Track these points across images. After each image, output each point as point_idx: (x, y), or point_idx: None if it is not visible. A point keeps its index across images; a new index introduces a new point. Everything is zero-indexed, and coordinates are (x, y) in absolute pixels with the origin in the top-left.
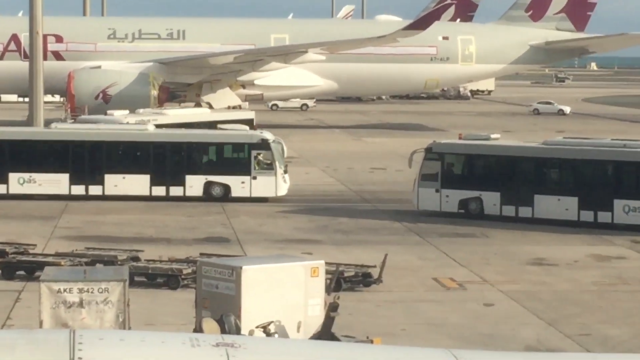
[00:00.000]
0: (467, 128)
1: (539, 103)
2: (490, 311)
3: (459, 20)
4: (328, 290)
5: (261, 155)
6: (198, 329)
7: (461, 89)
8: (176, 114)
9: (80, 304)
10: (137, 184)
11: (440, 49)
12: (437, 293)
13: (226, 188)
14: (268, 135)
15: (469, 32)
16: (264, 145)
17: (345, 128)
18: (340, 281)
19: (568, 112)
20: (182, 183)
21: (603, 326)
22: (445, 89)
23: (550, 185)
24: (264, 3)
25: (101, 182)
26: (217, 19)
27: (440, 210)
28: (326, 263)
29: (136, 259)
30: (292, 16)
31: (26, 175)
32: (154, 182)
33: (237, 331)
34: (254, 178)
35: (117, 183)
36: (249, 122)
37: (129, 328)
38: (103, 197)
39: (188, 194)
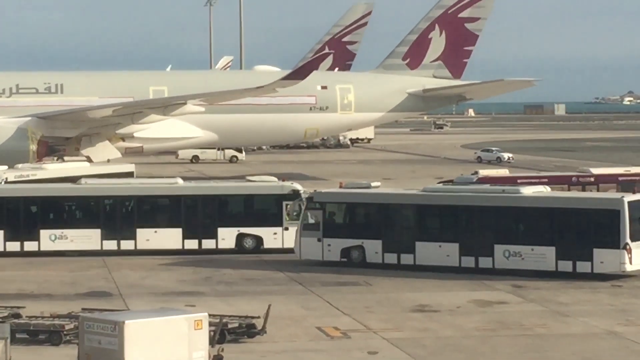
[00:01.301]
0: (348, 176)
1: (482, 151)
2: (375, 359)
3: (337, 69)
4: (212, 342)
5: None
6: None
7: (341, 138)
8: (55, 168)
9: None
10: (170, 237)
11: (319, 98)
12: (321, 342)
13: (258, 240)
14: (298, 186)
15: (347, 81)
16: (295, 195)
17: (228, 179)
18: (224, 333)
19: (506, 158)
20: (214, 236)
21: None
22: (325, 137)
23: (431, 232)
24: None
25: (133, 237)
26: (95, 72)
27: (323, 260)
28: (210, 315)
29: (17, 315)
30: (171, 68)
31: (58, 232)
32: (186, 236)
33: None
34: (286, 229)
35: (149, 237)
36: (128, 175)
37: None
38: (135, 252)
39: (220, 246)
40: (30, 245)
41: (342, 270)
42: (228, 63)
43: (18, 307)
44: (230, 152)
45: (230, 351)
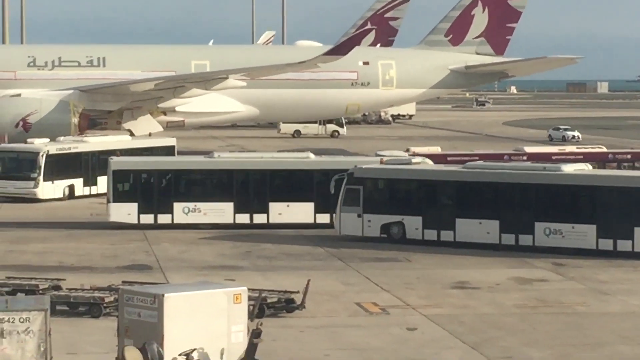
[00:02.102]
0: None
1: (552, 129)
2: (414, 335)
3: (379, 45)
4: (251, 316)
5: None
6: (120, 358)
7: (382, 114)
8: (97, 141)
9: (1, 334)
10: (301, 212)
11: (361, 74)
12: (360, 318)
13: None
14: None
15: (389, 57)
16: None
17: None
18: (263, 307)
19: (571, 137)
20: None
21: (525, 349)
22: (367, 113)
23: (471, 208)
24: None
25: (266, 211)
26: (138, 45)
27: (363, 235)
28: (249, 289)
29: (58, 287)
30: (213, 42)
31: (191, 205)
32: (318, 210)
33: (160, 359)
34: None
35: (282, 211)
36: (170, 149)
37: (51, 358)
38: (268, 226)
39: None
40: (163, 218)
41: (382, 246)
42: (270, 38)
43: (58, 280)
44: (331, 127)
45: (269, 325)
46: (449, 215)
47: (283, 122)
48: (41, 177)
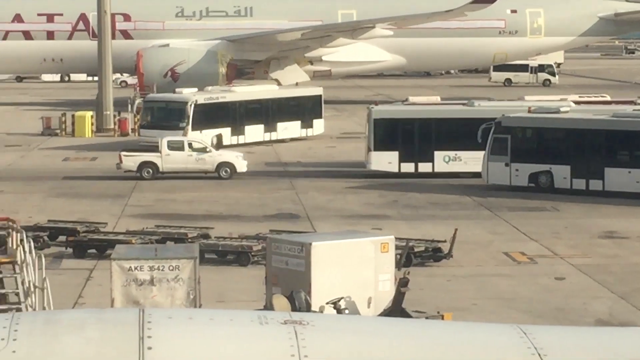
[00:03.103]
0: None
1: None
2: (561, 285)
3: None
4: (398, 265)
5: None
6: (268, 306)
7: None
8: (244, 91)
9: (151, 282)
10: None
11: (509, 22)
12: (507, 267)
13: None
14: None
15: (537, 5)
16: None
17: None
18: (410, 256)
19: None
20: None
21: None
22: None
23: (620, 157)
24: None
25: None
26: None
27: (510, 185)
28: (396, 238)
29: (206, 236)
30: None
31: (451, 154)
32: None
33: (308, 307)
34: None
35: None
36: (317, 98)
37: (200, 305)
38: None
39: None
40: (424, 167)
41: (530, 196)
42: None
43: (207, 228)
44: (543, 76)
45: (416, 275)
46: (597, 164)
47: (430, 71)
48: (189, 127)
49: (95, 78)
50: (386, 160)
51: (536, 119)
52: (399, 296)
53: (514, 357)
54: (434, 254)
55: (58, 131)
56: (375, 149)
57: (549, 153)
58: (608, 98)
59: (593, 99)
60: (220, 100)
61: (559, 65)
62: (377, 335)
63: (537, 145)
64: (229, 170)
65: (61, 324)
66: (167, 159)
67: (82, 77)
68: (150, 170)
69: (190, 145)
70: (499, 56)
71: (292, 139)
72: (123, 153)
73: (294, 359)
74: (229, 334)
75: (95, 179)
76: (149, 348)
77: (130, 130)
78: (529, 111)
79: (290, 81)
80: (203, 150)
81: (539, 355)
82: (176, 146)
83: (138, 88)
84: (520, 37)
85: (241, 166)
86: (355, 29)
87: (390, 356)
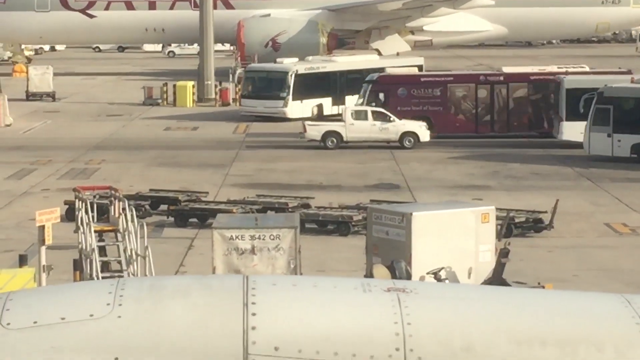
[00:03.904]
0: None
1: None
2: None
3: None
4: (499, 236)
5: None
6: (369, 275)
7: (633, 32)
8: (345, 61)
9: (252, 251)
10: None
11: None
12: (609, 238)
13: None
14: None
15: None
16: None
17: None
18: (511, 227)
19: None
20: None
21: None
22: (617, 32)
23: None
24: None
25: None
26: None
27: (612, 155)
28: (497, 209)
29: (307, 206)
30: None
31: None
32: None
33: (408, 277)
34: None
35: None
36: (418, 68)
37: (300, 274)
38: None
39: None
40: None
41: (632, 167)
42: None
43: (308, 198)
44: None
45: (516, 245)
46: None
47: (532, 41)
48: (290, 97)
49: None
50: (577, 131)
51: (638, 90)
52: (499, 267)
53: (618, 325)
54: (534, 225)
55: (159, 101)
56: (567, 119)
57: None
58: (587, 68)
59: (572, 69)
60: (321, 70)
61: None
62: (480, 303)
63: None
64: (412, 140)
65: (166, 289)
66: (351, 129)
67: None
68: (334, 140)
69: (374, 114)
70: (601, 26)
71: None
72: (307, 122)
73: (397, 326)
74: (333, 301)
75: (196, 148)
76: (253, 314)
77: (231, 100)
78: (632, 81)
79: (391, 51)
80: (387, 119)
81: None
82: (360, 115)
83: (239, 58)
84: (624, 6)
85: (424, 135)
86: None
87: (493, 323)
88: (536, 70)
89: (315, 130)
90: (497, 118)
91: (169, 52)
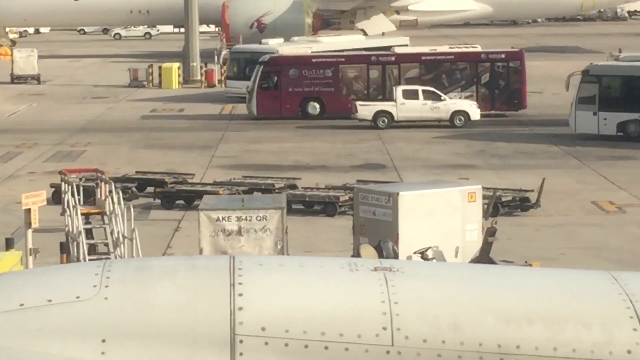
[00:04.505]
0: (625, 50)
1: None
2: None
3: None
4: (485, 215)
5: None
6: (356, 255)
7: (618, 10)
8: (330, 41)
9: (239, 232)
10: None
11: None
12: (596, 216)
13: None
14: None
15: None
16: None
17: None
18: (497, 206)
19: None
20: None
21: None
22: (602, 10)
23: None
24: None
25: None
26: None
27: (598, 133)
28: (483, 188)
29: (293, 186)
30: None
31: None
32: None
33: (395, 257)
34: None
35: None
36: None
37: (287, 255)
38: None
39: None
40: None
41: (618, 145)
42: None
43: (294, 179)
44: None
45: (503, 224)
46: None
47: (517, 20)
48: None
49: (182, 30)
50: None
51: (625, 68)
52: (486, 246)
53: (605, 303)
54: (521, 204)
55: (145, 83)
56: None
57: (638, 102)
58: (479, 48)
59: (464, 49)
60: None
61: None
62: (468, 281)
63: (626, 93)
64: (462, 118)
65: (153, 270)
66: (402, 108)
67: (169, 28)
68: (386, 120)
69: (425, 93)
70: (586, 4)
71: None
72: (359, 103)
73: (384, 305)
74: (320, 280)
75: (182, 130)
76: (240, 294)
77: (217, 82)
78: (617, 60)
79: (377, 31)
80: (438, 98)
81: (631, 301)
82: (411, 95)
83: (224, 39)
84: None
85: (475, 114)
86: None
87: (480, 302)
88: (427, 51)
89: (367, 110)
90: (388, 98)
91: (115, 34)
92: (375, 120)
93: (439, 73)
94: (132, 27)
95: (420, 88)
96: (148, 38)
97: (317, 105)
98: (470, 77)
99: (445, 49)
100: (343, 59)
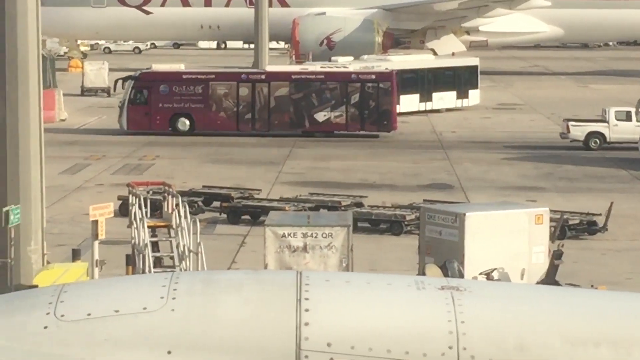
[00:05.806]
0: None
1: None
2: None
3: None
4: (552, 237)
5: None
6: (421, 275)
7: None
8: (400, 60)
9: (304, 249)
10: None
11: None
12: None
13: None
14: None
15: None
16: None
17: (571, 75)
18: (564, 229)
19: None
20: None
21: None
22: None
23: None
24: None
25: None
26: None
27: None
28: (550, 210)
29: (360, 204)
30: None
31: None
32: None
33: (461, 277)
34: None
35: None
36: (473, 69)
37: None
38: None
39: None
40: None
41: None
42: None
43: (360, 197)
44: None
45: (570, 247)
46: None
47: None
48: None
49: (251, 45)
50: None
51: None
52: (552, 268)
53: None
54: (588, 227)
55: None
56: None
57: None
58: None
59: (335, 69)
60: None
61: None
62: (534, 302)
63: None
64: None
65: (219, 284)
66: (615, 129)
67: (239, 44)
68: (598, 141)
69: (638, 114)
70: None
71: (448, 109)
72: (571, 123)
73: (450, 324)
74: (386, 298)
75: (249, 145)
76: (306, 310)
77: None
78: None
79: (447, 51)
80: None
81: None
82: (624, 117)
83: (294, 56)
84: None
85: None
86: None
87: (546, 323)
88: (298, 70)
89: (579, 131)
90: (258, 116)
91: (105, 48)
92: (587, 142)
93: (308, 92)
94: (122, 41)
95: (633, 109)
96: (137, 52)
97: (187, 122)
98: (340, 97)
99: (316, 67)
100: (213, 76)
